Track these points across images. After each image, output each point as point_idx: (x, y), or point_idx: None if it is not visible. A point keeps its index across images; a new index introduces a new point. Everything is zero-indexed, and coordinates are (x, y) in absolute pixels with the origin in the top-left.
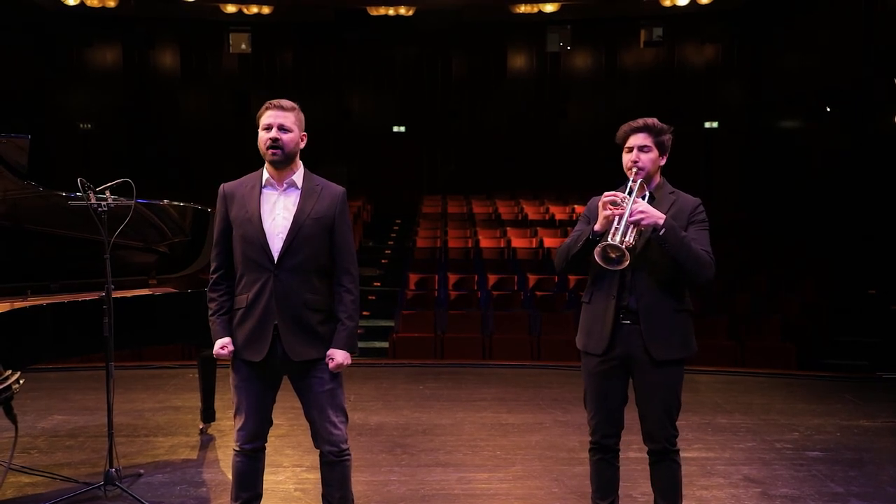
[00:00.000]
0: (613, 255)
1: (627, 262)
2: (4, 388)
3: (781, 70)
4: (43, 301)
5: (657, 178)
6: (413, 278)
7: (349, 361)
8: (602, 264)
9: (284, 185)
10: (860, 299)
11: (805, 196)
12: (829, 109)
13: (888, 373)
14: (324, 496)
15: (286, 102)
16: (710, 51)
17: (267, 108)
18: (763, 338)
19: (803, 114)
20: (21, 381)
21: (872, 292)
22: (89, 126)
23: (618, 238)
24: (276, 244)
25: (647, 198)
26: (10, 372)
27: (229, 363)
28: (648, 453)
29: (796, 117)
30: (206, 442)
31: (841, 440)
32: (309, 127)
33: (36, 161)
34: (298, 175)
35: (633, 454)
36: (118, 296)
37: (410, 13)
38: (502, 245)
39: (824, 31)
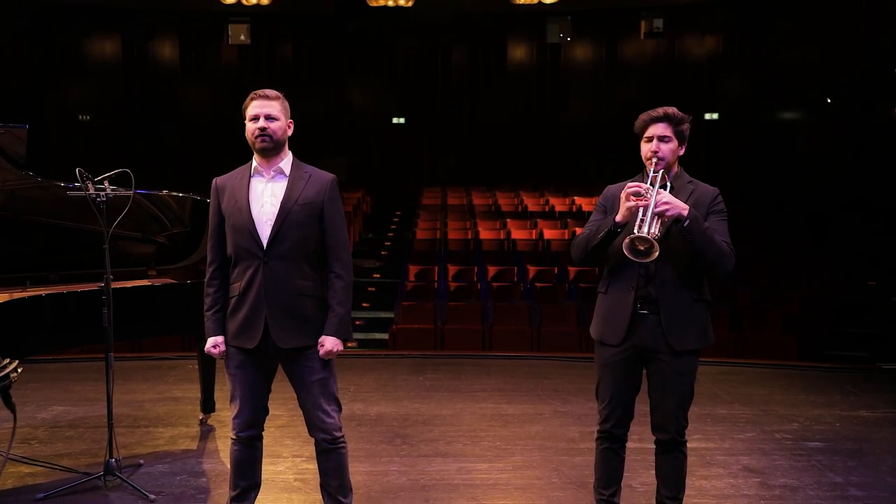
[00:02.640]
0: (642, 248)
1: (657, 254)
2: (3, 376)
3: (782, 62)
4: (42, 291)
5: (675, 168)
6: (413, 270)
7: (340, 348)
8: (631, 257)
9: (272, 173)
10: (860, 291)
11: (805, 188)
12: (829, 101)
13: (888, 364)
14: (322, 485)
15: (270, 92)
16: (711, 42)
17: (252, 99)
18: (764, 330)
19: (804, 105)
20: (19, 370)
21: (872, 284)
22: (88, 117)
23: (645, 229)
24: (264, 231)
25: (667, 188)
26: (7, 360)
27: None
28: (656, 443)
29: (797, 109)
30: (206, 432)
31: (840, 431)
32: (309, 119)
33: (35, 153)
34: (286, 163)
35: (633, 445)
36: (117, 287)
37: (410, 4)
38: (502, 237)
39: (825, 22)
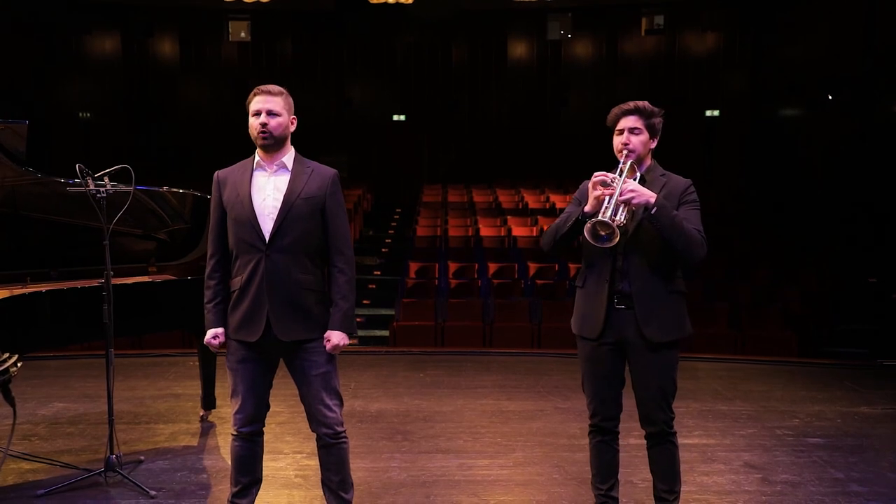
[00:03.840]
0: (603, 233)
1: (617, 239)
2: (2, 370)
3: (783, 58)
4: (42, 288)
5: (648, 161)
6: (413, 267)
7: (346, 342)
8: (592, 242)
9: (275, 168)
10: (860, 287)
11: (806, 185)
12: (830, 98)
13: (888, 360)
14: (323, 481)
15: (274, 87)
16: (712, 39)
17: (255, 94)
18: (765, 327)
19: (805, 102)
20: (19, 365)
21: (873, 280)
22: (88, 115)
23: (608, 215)
24: (266, 224)
25: (637, 180)
26: (7, 355)
27: (225, 351)
28: (646, 437)
29: (798, 106)
30: (207, 429)
31: (841, 427)
32: (309, 116)
33: (35, 150)
34: (289, 157)
35: (633, 441)
36: (117, 283)
37: (410, 1)
38: (503, 234)
39: (826, 19)
